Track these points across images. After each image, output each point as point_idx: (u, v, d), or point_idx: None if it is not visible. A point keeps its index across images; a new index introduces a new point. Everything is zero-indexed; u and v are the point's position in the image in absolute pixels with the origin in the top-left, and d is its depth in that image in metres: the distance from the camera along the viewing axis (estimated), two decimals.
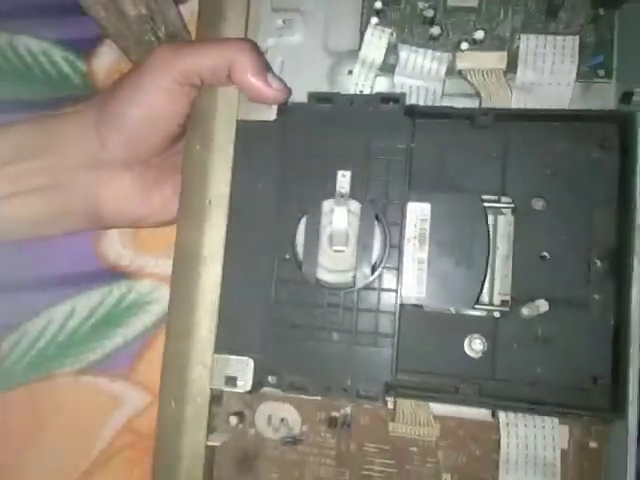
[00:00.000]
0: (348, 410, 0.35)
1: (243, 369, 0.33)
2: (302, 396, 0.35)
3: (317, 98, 0.34)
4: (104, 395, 0.45)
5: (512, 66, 0.34)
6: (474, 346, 0.32)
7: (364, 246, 0.32)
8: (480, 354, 0.32)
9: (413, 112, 0.33)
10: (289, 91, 0.35)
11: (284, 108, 0.35)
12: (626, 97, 0.32)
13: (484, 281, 0.32)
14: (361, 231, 0.32)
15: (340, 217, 0.32)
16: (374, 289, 0.32)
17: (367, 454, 0.35)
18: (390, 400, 0.34)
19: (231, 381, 0.34)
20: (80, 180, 0.37)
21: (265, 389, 0.35)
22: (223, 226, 0.34)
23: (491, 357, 0.32)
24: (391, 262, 0.32)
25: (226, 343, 0.33)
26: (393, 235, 0.32)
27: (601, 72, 0.34)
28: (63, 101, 0.49)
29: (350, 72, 0.36)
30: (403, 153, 0.32)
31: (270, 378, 0.33)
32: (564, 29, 0.34)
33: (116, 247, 0.45)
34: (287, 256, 0.33)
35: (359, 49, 0.36)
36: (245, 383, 0.34)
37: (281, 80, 0.34)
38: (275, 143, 0.34)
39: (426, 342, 0.33)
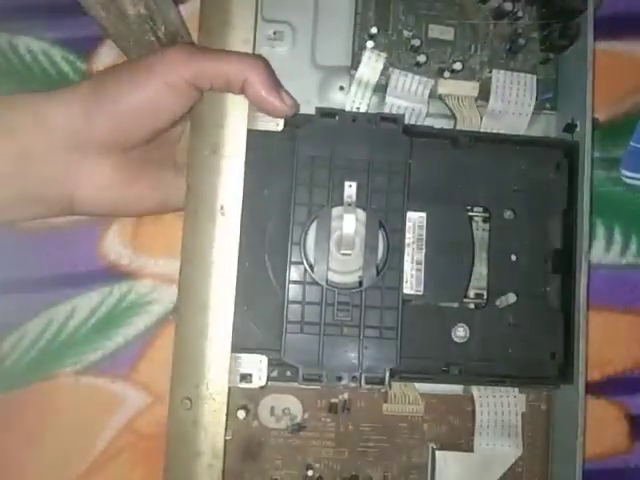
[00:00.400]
0: (346, 396, 0.40)
1: (258, 366, 0.36)
2: (302, 386, 0.38)
3: (322, 113, 0.37)
4: (105, 395, 0.45)
5: (482, 94, 0.40)
6: (458, 333, 0.38)
7: (369, 250, 0.37)
8: (463, 340, 0.38)
9: (410, 131, 0.38)
10: (298, 106, 0.37)
11: (291, 120, 0.37)
12: (569, 127, 0.39)
13: (470, 278, 0.38)
14: (367, 236, 0.37)
15: (349, 223, 0.36)
16: (379, 288, 0.37)
17: (363, 433, 0.40)
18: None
19: (246, 378, 0.36)
20: (59, 162, 0.36)
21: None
22: (236, 232, 0.36)
23: (472, 342, 0.38)
24: (393, 264, 0.37)
25: (241, 342, 0.36)
26: (394, 240, 0.37)
27: (548, 105, 0.41)
28: None
29: (342, 88, 0.40)
30: (402, 168, 0.37)
31: (288, 372, 0.37)
32: (521, 66, 0.40)
33: (116, 247, 0.45)
34: (299, 259, 0.36)
35: (352, 67, 0.40)
36: (260, 379, 0.36)
37: (291, 95, 0.37)
38: (283, 152, 0.37)
39: (420, 332, 0.38)
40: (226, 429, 0.36)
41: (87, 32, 0.47)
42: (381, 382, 0.36)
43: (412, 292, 0.37)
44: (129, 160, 0.37)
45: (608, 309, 0.46)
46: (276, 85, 0.36)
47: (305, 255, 0.37)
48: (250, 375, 0.36)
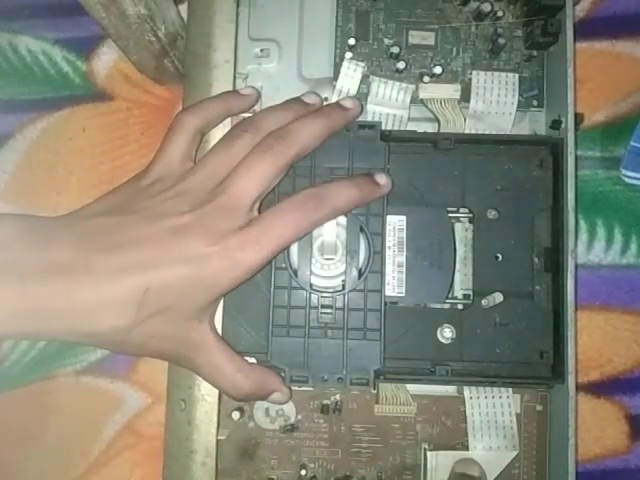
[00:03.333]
0: (338, 397, 0.40)
1: None
2: (296, 388, 0.38)
3: None
4: (104, 396, 0.45)
5: (465, 96, 0.39)
6: (445, 334, 0.37)
7: (351, 254, 0.37)
8: (450, 340, 0.37)
9: (387, 137, 0.38)
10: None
11: None
12: (555, 124, 0.38)
13: (452, 279, 0.38)
14: (348, 241, 0.37)
15: (330, 229, 0.37)
16: (361, 291, 0.37)
17: (355, 434, 0.40)
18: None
19: None
20: None
21: None
22: None
23: (459, 342, 0.37)
24: (375, 267, 0.37)
25: (232, 345, 0.36)
26: (375, 243, 0.37)
27: (535, 102, 0.40)
28: (63, 101, 0.49)
29: (326, 99, 0.40)
30: None
31: (281, 374, 0.37)
32: (504, 66, 0.40)
33: None
34: (283, 265, 0.37)
35: (334, 78, 0.40)
36: None
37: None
38: None
39: (405, 333, 0.37)
40: (218, 429, 0.37)
41: (87, 32, 0.49)
42: (366, 383, 0.36)
43: (394, 294, 0.37)
44: None
45: (608, 309, 0.45)
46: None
47: (289, 261, 0.37)
48: None
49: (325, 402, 0.40)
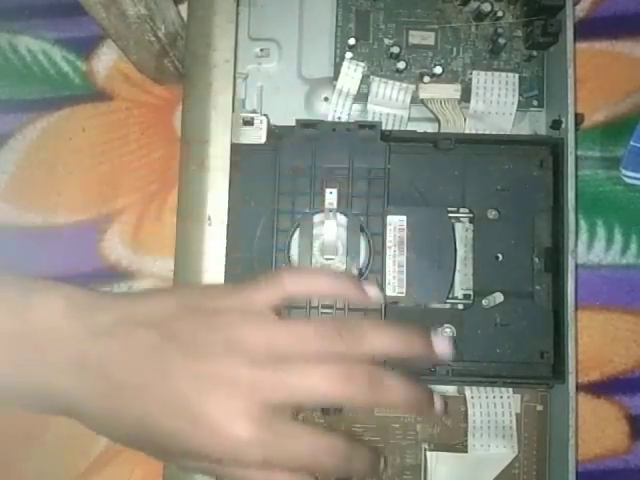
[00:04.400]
0: None
1: None
2: None
3: (303, 124, 0.38)
4: None
5: (465, 96, 0.39)
6: (445, 334, 0.37)
7: (352, 254, 0.37)
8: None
9: (387, 137, 0.38)
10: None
11: (273, 132, 0.38)
12: (556, 124, 0.38)
13: (453, 279, 0.38)
14: (348, 241, 0.37)
15: (330, 229, 0.37)
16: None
17: (356, 434, 0.39)
18: None
19: None
20: None
21: None
22: (223, 241, 0.37)
23: (459, 342, 0.37)
24: (375, 267, 0.37)
25: None
26: (376, 244, 0.37)
27: (535, 102, 0.40)
28: (63, 101, 0.49)
29: (326, 99, 0.40)
30: (381, 173, 0.37)
31: None
32: (504, 66, 0.40)
33: (116, 247, 0.46)
34: (284, 265, 0.37)
35: (334, 79, 0.40)
36: None
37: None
38: (266, 164, 0.38)
39: None
40: None
41: (87, 32, 0.48)
42: None
43: (395, 294, 0.37)
44: None
45: (608, 309, 0.45)
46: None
47: (290, 261, 0.37)
48: None
49: None
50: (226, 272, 0.37)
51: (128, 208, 0.48)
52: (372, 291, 0.33)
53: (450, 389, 0.39)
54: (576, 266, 0.37)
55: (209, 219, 0.37)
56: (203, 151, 0.37)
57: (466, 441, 0.39)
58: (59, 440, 0.44)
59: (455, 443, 0.39)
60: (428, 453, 0.39)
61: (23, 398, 0.32)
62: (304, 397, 0.30)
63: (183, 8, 0.44)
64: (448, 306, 0.38)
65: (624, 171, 0.46)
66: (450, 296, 0.38)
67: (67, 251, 0.46)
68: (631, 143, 0.45)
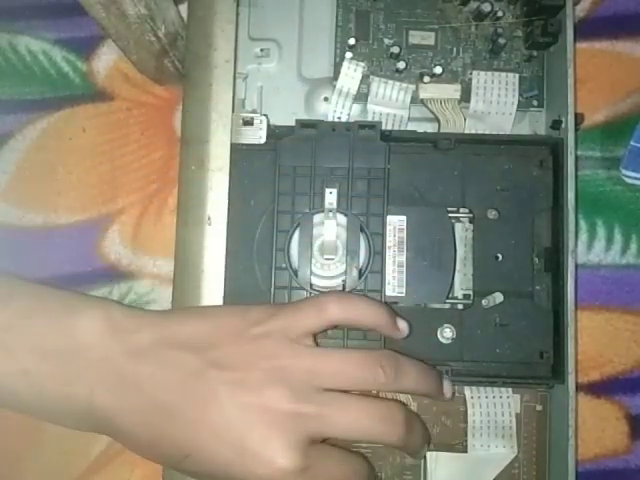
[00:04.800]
0: None
1: None
2: None
3: (303, 124, 0.38)
4: None
5: (465, 96, 0.39)
6: (445, 334, 0.37)
7: (351, 254, 0.37)
8: (450, 340, 0.37)
9: (387, 137, 0.38)
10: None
11: (273, 132, 0.38)
12: (556, 124, 0.38)
13: (453, 279, 0.37)
14: (348, 241, 0.37)
15: (330, 229, 0.37)
16: (362, 291, 0.37)
17: None
18: None
19: None
20: None
21: None
22: (222, 240, 0.37)
23: (459, 342, 0.37)
24: (375, 267, 0.37)
25: None
26: (376, 243, 0.37)
27: (535, 102, 0.40)
28: (63, 101, 0.48)
29: (326, 99, 0.40)
30: (381, 173, 0.37)
31: None
32: (504, 66, 0.40)
33: (116, 247, 0.45)
34: (283, 265, 0.37)
35: (334, 79, 0.40)
36: None
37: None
38: (266, 164, 0.38)
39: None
40: None
41: (87, 32, 0.48)
42: None
43: (394, 294, 0.37)
44: None
45: (608, 309, 0.45)
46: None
47: (289, 261, 0.37)
48: None
49: None
50: (226, 272, 0.37)
51: (128, 208, 0.47)
52: (402, 324, 0.35)
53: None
54: (576, 266, 0.37)
55: (209, 219, 0.37)
56: (203, 151, 0.37)
57: (466, 441, 0.38)
58: (59, 440, 0.44)
59: (455, 443, 0.39)
60: (428, 453, 0.38)
61: (67, 415, 0.33)
62: (344, 431, 0.31)
63: (183, 8, 0.43)
64: (448, 306, 0.38)
65: (624, 171, 0.46)
66: (450, 296, 0.38)
67: (67, 251, 0.45)
68: (631, 143, 0.45)
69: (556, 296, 0.38)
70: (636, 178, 0.46)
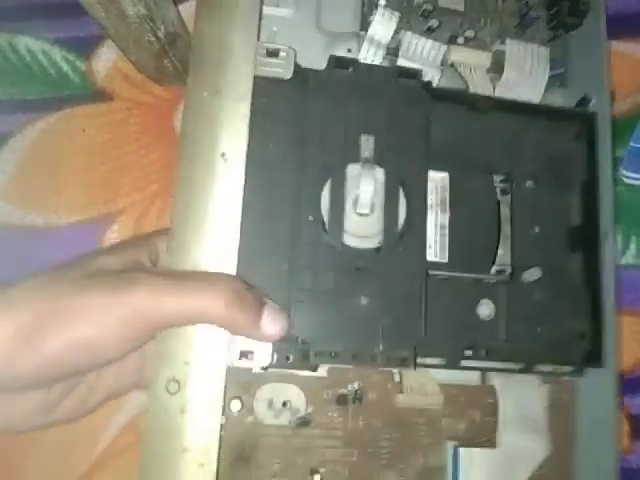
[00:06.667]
0: (356, 385, 0.29)
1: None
2: (307, 375, 0.28)
3: (337, 62, 0.28)
4: None
5: (493, 67, 0.32)
6: (483, 310, 0.29)
7: (389, 211, 0.27)
8: (489, 317, 0.29)
9: (428, 89, 0.29)
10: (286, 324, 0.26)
11: (300, 70, 0.28)
12: (583, 102, 0.31)
13: (496, 250, 0.29)
14: (386, 197, 0.27)
15: (367, 183, 0.27)
16: (400, 253, 0.27)
17: (375, 430, 0.29)
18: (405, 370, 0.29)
19: (247, 355, 0.25)
20: None
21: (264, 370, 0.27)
22: (239, 181, 0.26)
23: (498, 319, 0.29)
24: (415, 227, 0.27)
25: None
26: (416, 201, 0.27)
27: (558, 82, 0.33)
28: (63, 101, 0.42)
29: (349, 50, 0.31)
30: (423, 124, 0.28)
31: (291, 354, 0.26)
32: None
33: None
34: (311, 217, 0.27)
35: (361, 29, 0.31)
36: (263, 358, 0.26)
37: (278, 314, 0.25)
38: (290, 103, 0.28)
39: (444, 308, 0.28)
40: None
41: (87, 32, 0.42)
42: (404, 362, 0.26)
43: (436, 259, 0.27)
44: (55, 390, 0.27)
45: None
46: (253, 313, 0.25)
47: (318, 216, 0.27)
48: (251, 352, 0.25)
49: (342, 391, 0.29)
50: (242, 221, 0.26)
51: (128, 208, 0.41)
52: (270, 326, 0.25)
53: (474, 377, 0.30)
54: (615, 242, 0.31)
55: (223, 155, 0.26)
56: (220, 76, 0.26)
57: (494, 436, 0.29)
58: (59, 440, 0.38)
59: (482, 439, 0.30)
60: (461, 450, 0.29)
61: None
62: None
63: (183, 8, 0.38)
64: (489, 279, 0.29)
65: (624, 171, 0.40)
66: (491, 268, 0.29)
67: (67, 251, 0.38)
68: (631, 144, 0.39)
69: (591, 274, 0.30)
70: (636, 178, 0.40)
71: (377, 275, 0.27)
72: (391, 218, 0.27)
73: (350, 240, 0.27)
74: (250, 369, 0.27)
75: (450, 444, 0.29)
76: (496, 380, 0.30)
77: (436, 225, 0.28)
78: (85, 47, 0.42)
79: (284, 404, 0.28)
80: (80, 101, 0.42)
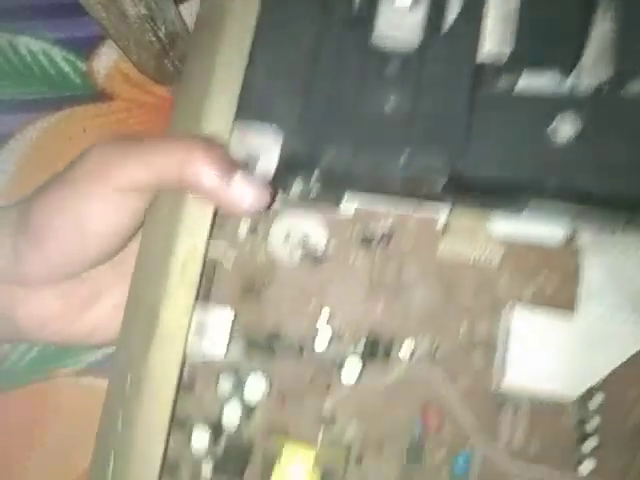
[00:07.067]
0: (389, 223, 0.25)
1: (266, 144, 0.23)
2: (330, 213, 0.25)
3: None
4: (104, 396, 0.35)
5: None
6: (560, 132, 0.22)
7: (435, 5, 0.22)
8: (567, 140, 0.22)
9: None
10: (266, 195, 0.23)
11: None
12: None
13: (583, 47, 0.22)
14: None
15: None
16: (445, 41, 0.23)
17: (406, 281, 0.25)
18: (445, 210, 0.24)
19: (251, 161, 0.23)
20: None
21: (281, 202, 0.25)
22: None
23: (581, 143, 0.21)
24: (470, 10, 0.22)
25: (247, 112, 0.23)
26: None
27: None
28: (63, 101, 0.42)
29: None
30: None
31: (298, 179, 0.23)
32: None
33: None
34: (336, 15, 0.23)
35: None
36: (269, 162, 0.23)
37: (254, 183, 0.23)
38: None
39: (501, 124, 0.22)
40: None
41: (87, 32, 0.42)
42: (436, 171, 0.22)
43: (493, 52, 0.22)
44: (81, 284, 0.26)
45: None
46: (224, 171, 0.23)
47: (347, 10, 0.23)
48: (255, 158, 0.23)
49: (369, 232, 0.25)
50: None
51: None
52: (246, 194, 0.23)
53: (545, 231, 0.24)
54: None
55: None
56: None
57: (572, 311, 0.24)
58: (59, 440, 0.37)
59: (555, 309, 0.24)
60: (516, 311, 0.24)
61: None
62: None
63: (183, 8, 0.39)
64: (569, 89, 0.22)
65: None
66: (574, 74, 0.22)
67: None
68: None
69: None
70: None
71: (413, 67, 0.23)
72: (437, 12, 0.22)
73: (381, 40, 0.23)
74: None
75: (507, 310, 0.24)
76: (583, 236, 0.24)
77: (496, 7, 0.23)
78: (85, 47, 0.43)
79: (301, 240, 0.25)
80: (81, 101, 0.43)
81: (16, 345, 0.38)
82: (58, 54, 0.43)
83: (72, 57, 0.43)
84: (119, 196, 0.23)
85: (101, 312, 0.27)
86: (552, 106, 0.22)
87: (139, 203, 0.24)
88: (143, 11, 0.34)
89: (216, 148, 0.23)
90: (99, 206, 0.23)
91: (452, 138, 0.22)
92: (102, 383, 0.37)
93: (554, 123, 0.22)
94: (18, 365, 0.38)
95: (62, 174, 0.25)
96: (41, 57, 0.43)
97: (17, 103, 0.42)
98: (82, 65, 0.43)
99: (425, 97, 0.23)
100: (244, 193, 0.22)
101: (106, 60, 0.43)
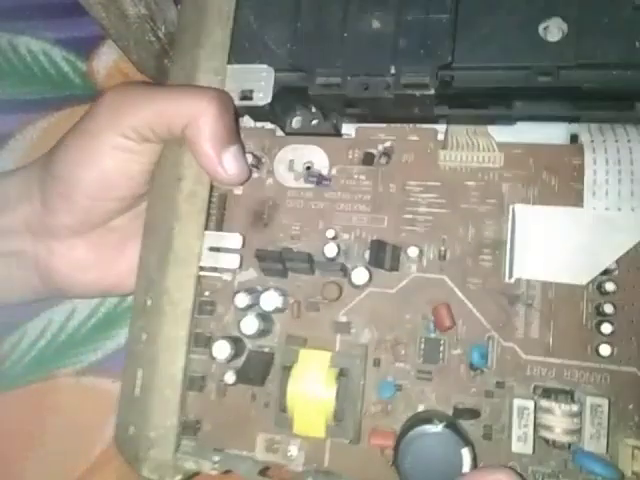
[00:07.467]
0: (388, 144, 0.26)
1: (261, 78, 0.25)
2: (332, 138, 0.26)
3: None
4: (105, 395, 0.37)
5: None
6: (551, 29, 0.22)
7: None
8: (558, 37, 0.22)
9: None
10: (247, 174, 0.26)
11: None
12: None
13: None
14: None
15: None
16: None
17: (410, 194, 0.25)
18: (442, 128, 0.25)
19: (247, 95, 0.25)
20: (28, 247, 0.27)
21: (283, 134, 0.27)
22: None
23: (573, 40, 0.22)
24: None
25: (240, 55, 0.25)
26: None
27: None
28: (63, 101, 0.42)
29: None
30: None
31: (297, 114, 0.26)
32: None
33: None
34: None
35: None
36: (264, 95, 0.25)
37: (242, 160, 0.26)
38: None
39: (490, 17, 0.22)
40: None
41: (87, 32, 0.42)
42: (425, 83, 0.22)
43: None
44: (109, 233, 0.28)
45: None
46: (222, 141, 0.25)
47: None
48: (251, 91, 0.24)
49: (370, 151, 0.26)
50: None
51: None
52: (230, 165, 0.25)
53: (558, 135, 0.24)
54: None
55: None
56: None
57: (579, 206, 0.24)
58: (59, 440, 0.36)
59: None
60: (521, 210, 0.24)
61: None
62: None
63: None
64: None
65: None
66: None
67: None
68: None
69: None
70: None
71: None
72: None
73: None
74: (273, 130, 0.27)
75: (512, 207, 0.24)
76: (585, 133, 0.24)
77: None
78: (85, 47, 0.43)
79: (307, 168, 0.26)
80: (81, 101, 0.42)
81: (16, 345, 0.37)
82: (58, 54, 0.43)
83: (72, 57, 0.43)
84: (131, 144, 0.24)
85: (130, 260, 0.26)
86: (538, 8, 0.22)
87: (151, 150, 0.25)
88: (143, 11, 0.34)
89: (225, 112, 0.24)
90: (113, 155, 0.25)
91: (438, 49, 0.23)
92: (102, 383, 0.37)
93: (543, 24, 0.22)
94: (18, 365, 0.37)
95: (79, 124, 0.26)
96: (41, 57, 0.43)
97: (17, 103, 0.42)
98: (82, 65, 0.43)
99: (409, 13, 0.23)
100: (231, 168, 0.25)
101: (106, 60, 0.43)
